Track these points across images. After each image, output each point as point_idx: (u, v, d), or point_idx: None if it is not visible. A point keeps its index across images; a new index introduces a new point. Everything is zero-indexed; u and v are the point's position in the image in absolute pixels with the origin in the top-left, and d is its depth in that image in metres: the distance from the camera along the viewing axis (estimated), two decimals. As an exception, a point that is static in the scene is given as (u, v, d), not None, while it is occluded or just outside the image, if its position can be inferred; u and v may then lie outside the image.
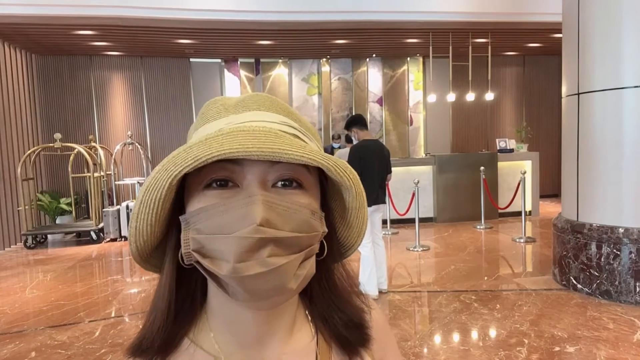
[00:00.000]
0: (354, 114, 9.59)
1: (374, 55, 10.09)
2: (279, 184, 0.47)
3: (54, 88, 8.87)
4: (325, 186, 0.53)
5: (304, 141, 0.49)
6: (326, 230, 0.49)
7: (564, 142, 4.58)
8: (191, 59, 9.63)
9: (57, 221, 8.12)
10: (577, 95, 4.25)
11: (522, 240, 6.33)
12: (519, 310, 3.80)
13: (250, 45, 8.69)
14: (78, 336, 3.56)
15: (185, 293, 0.52)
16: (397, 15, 7.13)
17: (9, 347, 3.41)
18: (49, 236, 7.69)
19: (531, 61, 10.64)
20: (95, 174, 7.39)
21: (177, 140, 9.42)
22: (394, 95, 10.46)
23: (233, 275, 0.42)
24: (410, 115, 10.52)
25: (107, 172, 8.04)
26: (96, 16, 6.42)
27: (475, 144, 10.54)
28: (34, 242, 7.19)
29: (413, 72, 10.46)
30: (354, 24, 7.28)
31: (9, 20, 6.39)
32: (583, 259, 4.11)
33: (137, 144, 8.38)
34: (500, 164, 8.12)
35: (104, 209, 7.37)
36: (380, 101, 10.42)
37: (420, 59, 10.35)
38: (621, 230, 3.87)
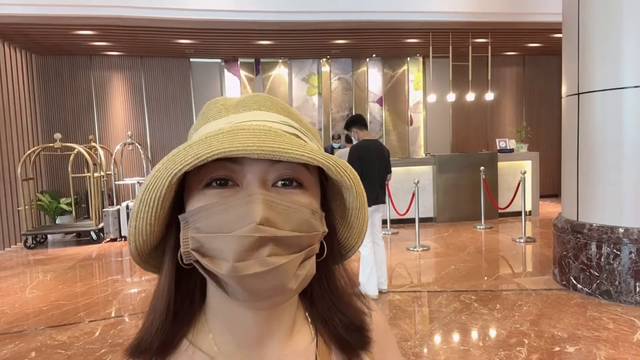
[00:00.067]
0: (354, 114, 9.59)
1: (374, 55, 10.09)
2: (279, 183, 0.46)
3: (54, 88, 8.87)
4: (326, 186, 0.53)
5: (304, 141, 0.49)
6: (326, 230, 0.49)
7: (564, 142, 4.57)
8: (191, 59, 9.63)
9: (57, 221, 8.12)
10: (577, 95, 4.25)
11: (522, 240, 6.33)
12: (519, 310, 3.80)
13: (250, 45, 8.69)
14: (78, 336, 3.56)
15: (184, 294, 0.52)
16: (397, 15, 7.13)
17: (9, 347, 3.41)
18: (49, 236, 7.69)
19: (531, 61, 10.64)
20: (95, 174, 7.39)
21: (177, 140, 9.42)
22: (394, 95, 10.46)
23: (232, 274, 0.42)
24: (410, 115, 10.52)
25: (107, 172, 8.04)
26: (96, 16, 6.42)
27: (475, 144, 10.54)
28: (34, 242, 7.19)
29: (413, 72, 10.46)
30: (354, 24, 7.28)
31: (9, 20, 6.39)
32: (583, 259, 4.11)
33: (137, 144, 8.38)
34: (500, 164, 8.12)
35: (104, 209, 7.37)
36: (380, 101, 10.42)
37: (420, 59, 10.35)
38: (621, 230, 3.87)
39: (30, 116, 8.26)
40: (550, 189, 10.18)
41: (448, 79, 8.65)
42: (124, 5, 6.33)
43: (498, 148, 8.54)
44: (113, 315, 4.05)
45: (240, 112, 0.51)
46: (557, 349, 3.09)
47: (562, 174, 4.60)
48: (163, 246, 0.51)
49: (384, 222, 7.10)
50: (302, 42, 8.52)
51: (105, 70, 9.19)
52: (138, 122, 9.47)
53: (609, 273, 3.93)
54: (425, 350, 3.19)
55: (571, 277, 4.23)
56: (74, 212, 7.97)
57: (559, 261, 4.40)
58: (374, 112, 10.42)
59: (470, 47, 8.33)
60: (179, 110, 9.63)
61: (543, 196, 9.27)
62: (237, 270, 0.41)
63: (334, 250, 0.54)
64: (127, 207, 7.31)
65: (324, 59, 10.11)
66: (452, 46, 8.27)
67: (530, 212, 8.19)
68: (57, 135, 7.25)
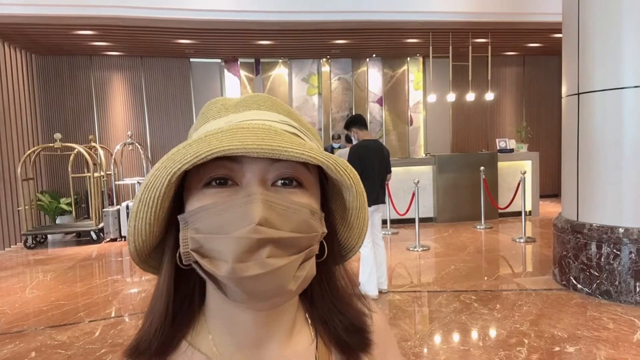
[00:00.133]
0: (353, 114, 9.59)
1: (374, 55, 10.09)
2: (279, 182, 0.46)
3: (54, 88, 8.87)
4: (326, 186, 0.52)
5: (304, 140, 0.49)
6: (325, 231, 0.48)
7: (564, 142, 4.57)
8: (191, 59, 9.63)
9: (57, 221, 8.12)
10: (577, 95, 4.25)
11: (522, 240, 6.33)
12: (519, 310, 3.80)
13: (250, 45, 8.69)
14: (78, 336, 3.56)
15: (184, 294, 0.51)
16: (397, 15, 7.12)
17: (9, 347, 3.41)
18: (49, 236, 7.69)
19: (531, 61, 10.64)
20: (95, 174, 7.39)
21: (177, 140, 9.41)
22: (394, 95, 10.46)
23: (231, 276, 0.41)
24: (410, 115, 10.52)
25: (107, 172, 8.04)
26: (96, 16, 6.42)
27: (475, 144, 10.53)
28: (34, 242, 7.19)
29: (413, 72, 10.46)
30: (354, 24, 7.28)
31: (9, 20, 6.39)
32: (583, 259, 4.11)
33: (137, 144, 8.38)
34: (500, 164, 8.12)
35: (104, 209, 7.37)
36: (380, 101, 10.42)
37: (420, 59, 10.35)
38: (621, 230, 3.87)
39: (30, 116, 8.26)
40: (550, 189, 10.18)
41: (448, 79, 8.65)
42: (124, 5, 6.33)
43: (498, 148, 8.54)
44: (113, 315, 4.05)
45: (240, 112, 0.51)
46: (557, 349, 3.09)
47: (562, 174, 4.60)
48: (162, 247, 0.51)
49: (384, 222, 7.10)
50: (302, 42, 8.52)
51: (105, 70, 9.19)
52: (138, 122, 9.47)
53: (609, 273, 3.93)
54: (425, 350, 3.19)
55: (571, 277, 4.23)
56: (74, 212, 7.97)
57: (559, 261, 4.40)
58: (374, 112, 10.41)
59: (470, 47, 8.33)
60: (179, 110, 9.63)
61: (543, 196, 9.27)
62: (236, 272, 0.41)
63: (334, 251, 0.53)
64: (127, 207, 7.31)
65: (324, 59, 10.11)
66: (452, 46, 8.27)
67: (530, 212, 8.19)
68: (57, 135, 7.25)
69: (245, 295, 0.43)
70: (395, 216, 7.22)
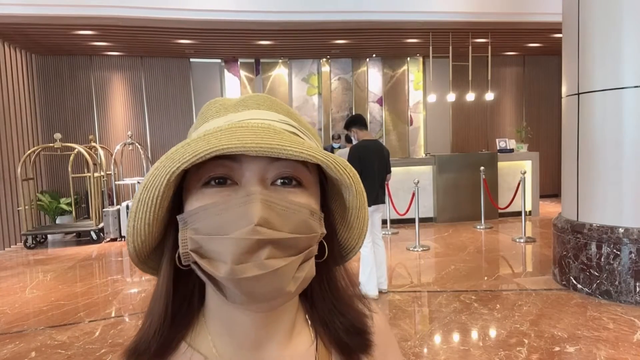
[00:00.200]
0: (353, 114, 9.59)
1: (374, 55, 10.09)
2: (278, 181, 0.46)
3: (54, 88, 8.87)
4: (326, 186, 0.52)
5: (303, 139, 0.49)
6: (325, 231, 0.48)
7: (564, 142, 4.57)
8: (191, 59, 9.63)
9: (57, 221, 8.12)
10: (577, 95, 4.25)
11: (522, 240, 6.32)
12: (519, 310, 3.80)
13: (250, 46, 8.68)
14: (78, 336, 3.56)
15: (183, 295, 0.51)
16: (397, 15, 7.12)
17: (9, 347, 3.41)
18: (49, 236, 7.69)
19: (531, 61, 10.64)
20: (95, 174, 7.39)
21: (177, 140, 9.32)
22: (394, 95, 10.45)
23: (230, 277, 0.41)
24: (410, 115, 10.52)
25: (107, 172, 8.04)
26: (96, 16, 6.42)
27: (475, 144, 10.53)
28: (34, 242, 7.19)
29: (413, 72, 10.45)
30: (354, 24, 7.28)
31: (9, 20, 6.39)
32: (583, 259, 4.10)
33: (137, 144, 8.38)
34: (500, 164, 8.12)
35: (104, 209, 7.37)
36: (380, 101, 10.42)
37: (420, 59, 10.35)
38: (621, 230, 3.87)
39: (30, 116, 8.26)
40: (550, 189, 10.18)
41: (448, 79, 8.65)
42: (123, 5, 6.33)
43: (498, 148, 8.54)
44: (113, 315, 4.05)
45: (239, 111, 0.51)
46: (557, 349, 3.08)
47: (562, 174, 4.60)
48: (162, 247, 0.50)
49: (384, 222, 7.10)
50: (302, 42, 8.52)
51: (105, 70, 9.19)
52: (138, 122, 9.47)
53: (609, 273, 3.93)
54: (425, 350, 3.19)
55: (571, 277, 4.23)
56: (74, 212, 7.97)
57: (559, 261, 4.40)
58: (374, 112, 10.41)
59: (470, 47, 8.32)
60: (179, 110, 9.63)
61: (543, 196, 9.27)
62: (235, 273, 0.41)
63: (334, 252, 0.53)
64: (127, 207, 7.31)
65: (324, 59, 10.11)
66: (452, 46, 8.27)
67: (530, 212, 8.19)
68: (57, 135, 7.25)
69: (244, 297, 0.43)
70: (395, 216, 7.22)
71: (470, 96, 8.94)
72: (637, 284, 3.81)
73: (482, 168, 7.46)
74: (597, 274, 4.00)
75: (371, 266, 4.11)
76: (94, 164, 7.41)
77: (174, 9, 6.57)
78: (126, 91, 9.37)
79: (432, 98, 9.37)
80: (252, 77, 10.03)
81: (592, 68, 4.07)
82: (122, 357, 0.49)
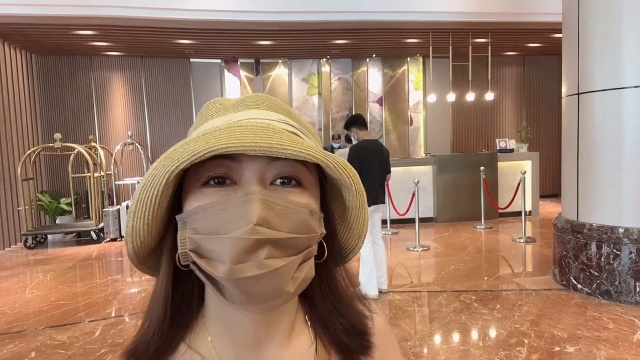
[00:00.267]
0: (353, 114, 9.58)
1: (374, 55, 10.09)
2: (278, 181, 0.46)
3: (54, 88, 8.87)
4: (325, 186, 0.52)
5: (302, 139, 0.48)
6: (324, 231, 0.48)
7: (564, 142, 4.57)
8: (191, 59, 9.63)
9: (57, 221, 8.12)
10: (577, 95, 4.25)
11: (522, 240, 6.32)
12: (519, 310, 3.80)
13: (250, 46, 8.68)
14: (78, 336, 3.56)
15: (182, 296, 0.51)
16: (397, 15, 7.12)
17: (9, 347, 3.41)
18: (49, 236, 7.69)
19: (531, 61, 10.64)
20: (95, 174, 7.39)
21: (177, 140, 9.15)
22: (394, 95, 10.45)
23: (229, 277, 0.41)
24: (410, 115, 10.52)
25: (107, 172, 8.04)
26: (96, 16, 6.42)
27: (475, 144, 10.53)
28: (34, 242, 7.19)
29: (413, 72, 10.45)
30: (354, 24, 7.28)
31: (9, 20, 6.39)
32: (583, 259, 4.10)
33: (137, 144, 8.38)
34: (500, 164, 8.12)
35: (104, 209, 7.37)
36: (380, 101, 10.41)
37: (420, 59, 10.35)
38: (621, 230, 3.87)
39: (30, 116, 8.26)
40: (550, 189, 10.18)
41: (448, 79, 8.65)
42: (123, 6, 6.33)
43: (498, 148, 8.54)
44: (113, 315, 4.05)
45: (238, 111, 0.51)
46: (557, 349, 3.08)
47: (562, 174, 4.60)
48: (161, 248, 0.50)
49: (384, 222, 7.10)
50: (302, 42, 8.52)
51: (105, 70, 9.19)
52: (138, 122, 9.47)
53: (609, 273, 3.93)
54: (425, 350, 3.19)
55: (571, 277, 4.23)
56: (74, 212, 7.97)
57: (559, 261, 4.40)
58: (374, 112, 10.41)
59: (470, 47, 8.32)
60: (179, 110, 9.63)
61: (543, 196, 9.26)
62: (234, 273, 0.41)
63: (334, 252, 0.53)
64: (127, 207, 7.28)
65: (324, 59, 10.11)
66: (452, 46, 8.27)
67: (530, 212, 8.19)
68: (57, 135, 7.25)
69: (243, 297, 0.42)
70: (395, 216, 7.22)
71: (470, 96, 8.94)
72: (637, 284, 3.81)
73: (482, 168, 7.46)
74: (597, 274, 4.00)
75: (371, 266, 4.11)
76: (94, 164, 7.41)
77: (174, 9, 6.57)
78: (126, 91, 9.37)
79: (432, 98, 9.37)
80: (252, 77, 10.03)
81: (592, 68, 4.07)
82: (121, 358, 0.49)
